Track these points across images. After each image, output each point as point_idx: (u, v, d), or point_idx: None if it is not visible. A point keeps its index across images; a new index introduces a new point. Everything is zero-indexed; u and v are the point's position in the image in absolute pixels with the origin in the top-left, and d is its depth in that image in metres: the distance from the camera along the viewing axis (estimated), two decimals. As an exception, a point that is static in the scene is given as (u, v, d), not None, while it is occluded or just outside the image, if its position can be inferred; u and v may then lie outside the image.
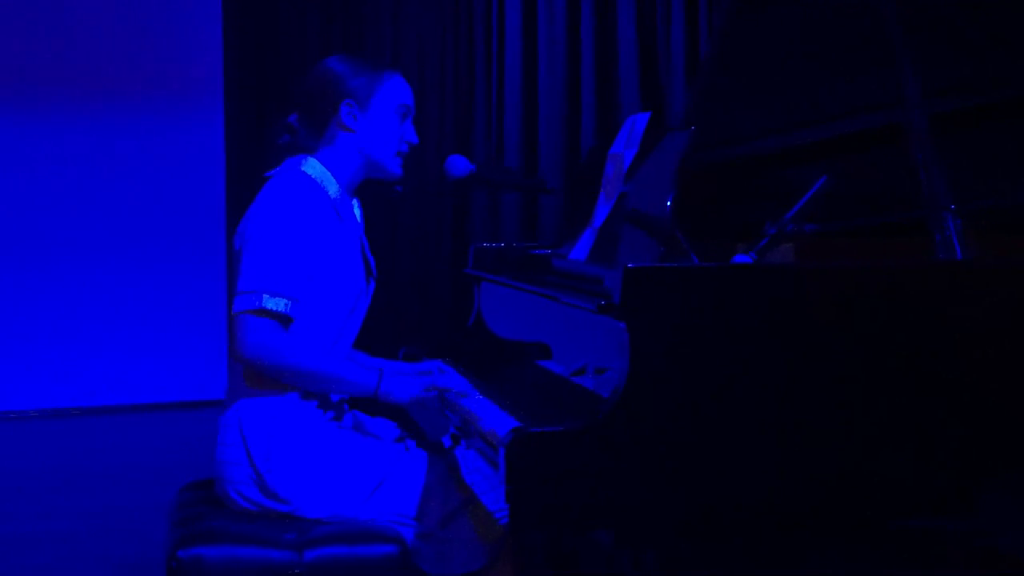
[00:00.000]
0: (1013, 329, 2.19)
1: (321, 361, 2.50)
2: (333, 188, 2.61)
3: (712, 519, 2.11)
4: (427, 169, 5.64)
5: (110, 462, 5.42)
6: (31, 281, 6.43)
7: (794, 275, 2.17)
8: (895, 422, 2.14)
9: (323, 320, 2.57)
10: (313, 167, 2.61)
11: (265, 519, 2.49)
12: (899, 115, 2.45)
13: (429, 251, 5.91)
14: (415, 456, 2.56)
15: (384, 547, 2.40)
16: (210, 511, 2.54)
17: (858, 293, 2.14)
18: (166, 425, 6.23)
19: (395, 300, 5.66)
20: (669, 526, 2.10)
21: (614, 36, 5.96)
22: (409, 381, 2.58)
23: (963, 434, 2.17)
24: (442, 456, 2.61)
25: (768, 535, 2.18)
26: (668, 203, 2.36)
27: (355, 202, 2.72)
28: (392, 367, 2.79)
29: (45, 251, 6.43)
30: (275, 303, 2.44)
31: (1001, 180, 2.54)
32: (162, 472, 4.90)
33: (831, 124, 2.76)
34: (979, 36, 2.62)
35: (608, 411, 2.03)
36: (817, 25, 2.83)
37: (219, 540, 2.40)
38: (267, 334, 2.45)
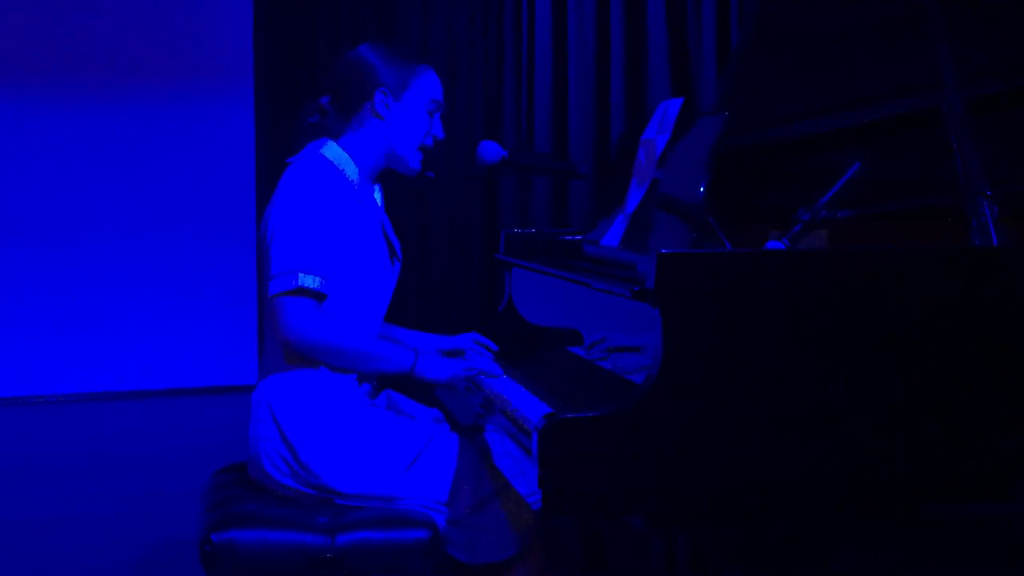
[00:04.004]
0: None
1: (359, 339, 2.54)
2: (352, 172, 2.62)
3: (745, 504, 2.10)
4: (458, 156, 5.64)
5: (143, 446, 5.46)
6: (63, 266, 6.47)
7: (828, 261, 2.15)
8: (930, 407, 2.12)
9: (351, 300, 2.58)
10: (332, 151, 2.62)
11: (298, 503, 2.50)
12: (935, 98, 2.43)
13: (460, 237, 5.91)
14: (448, 438, 2.56)
15: (416, 532, 2.41)
16: (243, 494, 2.56)
17: (892, 279, 2.13)
18: (198, 410, 6.27)
19: (427, 286, 5.66)
20: (702, 511, 2.10)
21: (643, 21, 5.93)
22: (445, 362, 2.59)
23: (999, 420, 2.15)
24: (473, 442, 2.61)
25: (801, 520, 2.17)
26: (701, 189, 2.35)
27: (376, 187, 2.74)
28: (427, 340, 2.82)
29: (77, 236, 6.47)
30: (311, 281, 2.48)
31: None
32: (195, 456, 4.93)
33: (866, 108, 2.74)
34: (1016, 18, 2.59)
35: (641, 396, 2.03)
36: (851, 7, 2.80)
37: (252, 523, 2.42)
38: (306, 314, 2.48)
